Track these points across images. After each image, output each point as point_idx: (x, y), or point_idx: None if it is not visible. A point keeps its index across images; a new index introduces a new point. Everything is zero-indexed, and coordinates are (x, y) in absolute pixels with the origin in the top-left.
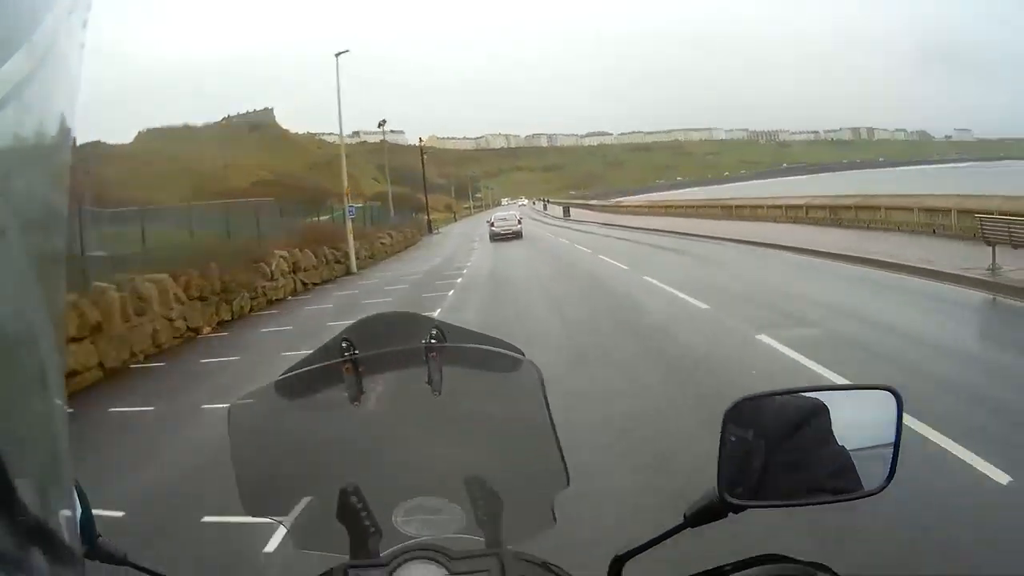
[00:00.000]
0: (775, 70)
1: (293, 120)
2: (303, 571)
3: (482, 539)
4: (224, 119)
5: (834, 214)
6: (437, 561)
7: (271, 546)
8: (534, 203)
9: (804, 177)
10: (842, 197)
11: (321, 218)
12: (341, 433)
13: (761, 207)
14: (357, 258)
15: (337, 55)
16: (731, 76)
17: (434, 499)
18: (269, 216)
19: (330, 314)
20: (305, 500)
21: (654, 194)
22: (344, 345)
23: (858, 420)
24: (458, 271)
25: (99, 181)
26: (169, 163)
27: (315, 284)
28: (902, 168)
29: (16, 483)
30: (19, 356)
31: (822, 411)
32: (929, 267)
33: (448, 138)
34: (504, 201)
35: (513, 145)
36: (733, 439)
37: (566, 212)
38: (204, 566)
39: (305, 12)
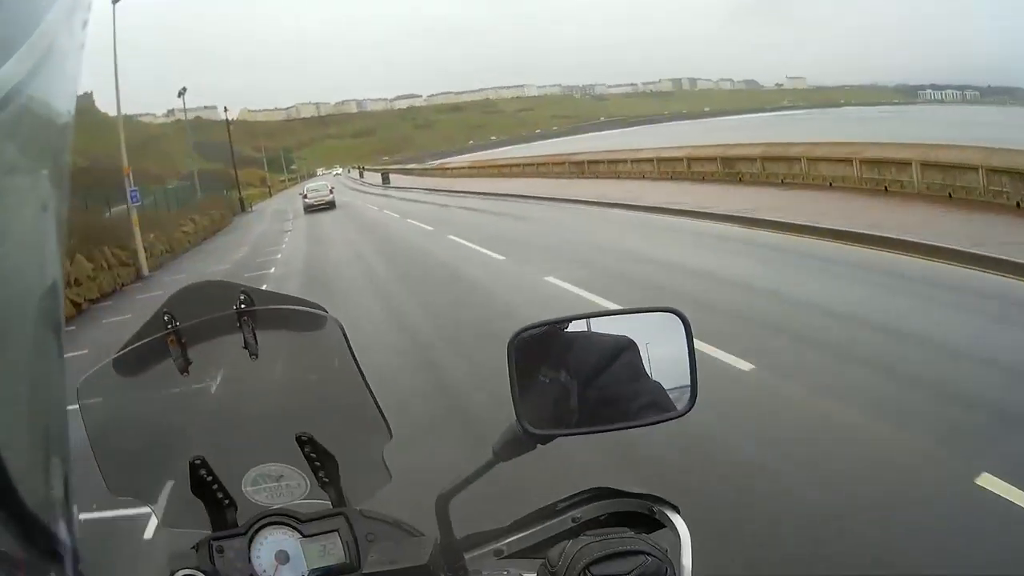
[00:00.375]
0: (585, 22)
1: (110, 103)
2: (179, 548)
3: (328, 502)
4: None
5: (728, 167)
6: (290, 526)
7: (148, 533)
8: (348, 171)
9: (621, 130)
10: (739, 146)
11: (113, 210)
12: (179, 406)
13: (622, 161)
14: (151, 254)
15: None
16: (540, 31)
17: (276, 466)
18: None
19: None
20: (169, 480)
21: (474, 154)
22: (166, 318)
23: (654, 344)
24: (268, 261)
25: None
26: None
27: (90, 302)
28: (731, 117)
29: (15, 483)
30: (19, 356)
31: (630, 345)
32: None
33: (259, 110)
34: (319, 171)
35: (323, 113)
36: (543, 378)
37: (385, 179)
38: (83, 564)
39: None
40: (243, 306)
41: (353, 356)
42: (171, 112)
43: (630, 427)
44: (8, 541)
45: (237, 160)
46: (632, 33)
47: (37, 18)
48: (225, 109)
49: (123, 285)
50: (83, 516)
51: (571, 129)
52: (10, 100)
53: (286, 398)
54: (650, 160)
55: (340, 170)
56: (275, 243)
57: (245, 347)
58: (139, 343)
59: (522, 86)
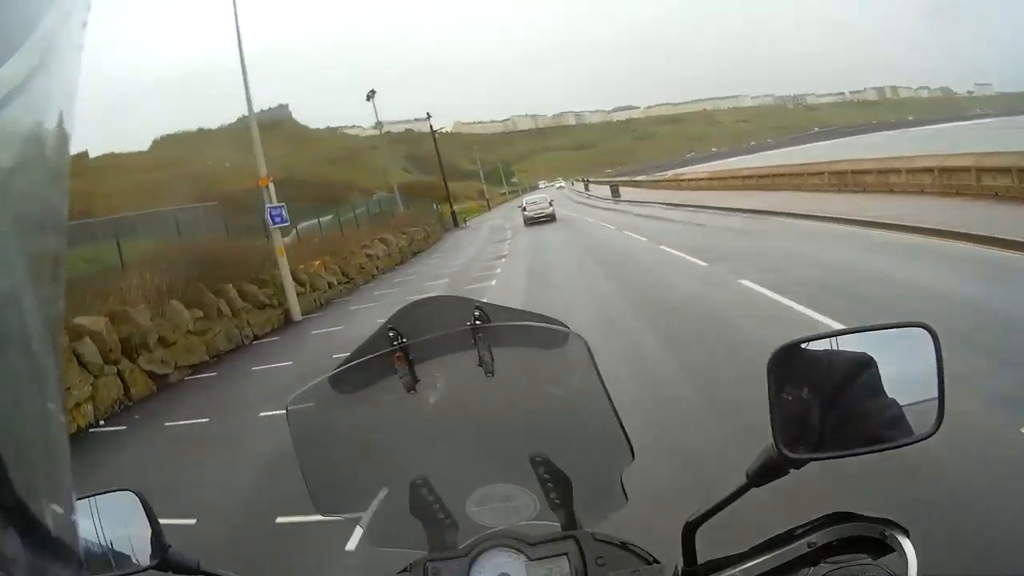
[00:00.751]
0: (798, 32)
1: (312, 116)
2: (384, 568)
3: (557, 523)
4: (238, 120)
5: None
6: (516, 548)
7: (352, 544)
8: (572, 184)
9: (839, 140)
10: None
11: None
12: (402, 424)
13: (894, 171)
14: (317, 289)
15: None
16: (756, 41)
17: (504, 486)
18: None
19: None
20: (379, 496)
21: (711, 163)
22: (391, 334)
23: (898, 362)
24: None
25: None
26: (169, 169)
27: (192, 368)
28: (936, 126)
29: (14, 485)
30: (17, 358)
31: (869, 362)
32: None
33: (475, 122)
34: (541, 184)
35: (541, 125)
36: (787, 396)
37: (615, 192)
38: (283, 569)
39: (315, 3)
40: (478, 322)
41: (598, 374)
42: (379, 124)
43: (881, 450)
44: (8, 541)
45: (452, 173)
46: (836, 39)
47: (37, 18)
48: (428, 115)
49: (257, 337)
50: (280, 519)
51: (789, 140)
52: (10, 100)
53: (522, 417)
54: (928, 170)
55: (563, 183)
56: (483, 274)
57: (480, 364)
58: (361, 359)
59: (737, 96)
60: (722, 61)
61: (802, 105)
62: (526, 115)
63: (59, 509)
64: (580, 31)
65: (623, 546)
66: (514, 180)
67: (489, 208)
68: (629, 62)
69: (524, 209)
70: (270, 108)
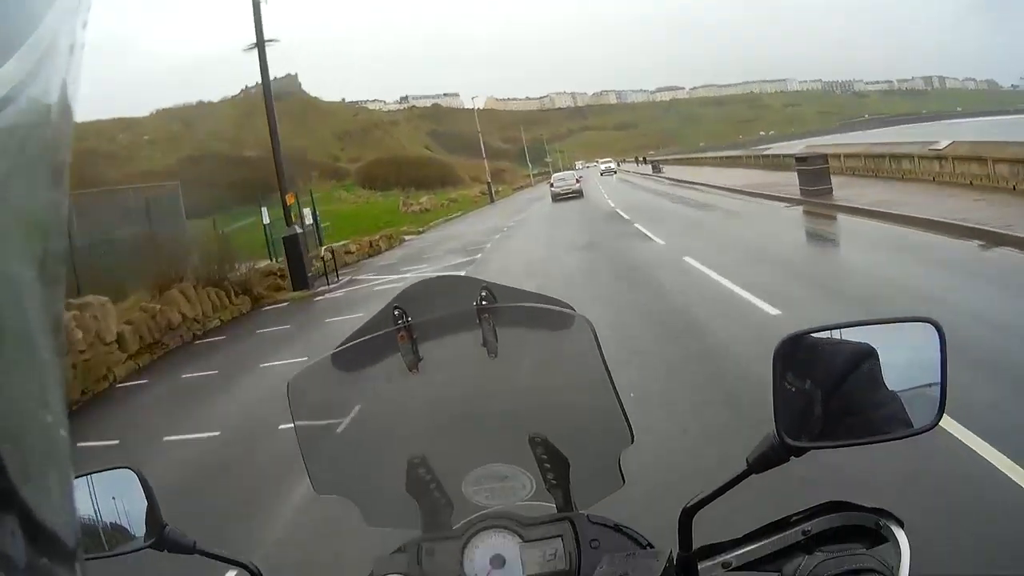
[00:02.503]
0: (848, 18)
1: (326, 87)
2: (377, 547)
3: (553, 504)
4: (242, 91)
5: None
6: (510, 529)
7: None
8: (618, 164)
9: (892, 128)
10: None
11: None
12: (403, 403)
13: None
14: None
15: None
16: (805, 24)
17: (502, 466)
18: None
19: None
20: (374, 475)
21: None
22: (396, 313)
23: (902, 356)
24: None
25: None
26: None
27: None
28: (988, 118)
29: (15, 484)
30: (18, 357)
31: (871, 353)
32: None
33: (509, 99)
34: (578, 164)
35: (580, 104)
36: (788, 386)
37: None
38: (278, 548)
39: None
40: (484, 302)
41: (602, 358)
42: (405, 99)
43: (881, 441)
44: (8, 541)
45: (487, 153)
46: (885, 27)
47: (37, 18)
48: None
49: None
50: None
51: (841, 127)
52: (10, 100)
53: (523, 398)
54: None
55: (612, 163)
56: None
57: (484, 345)
58: (365, 337)
59: (784, 80)
60: (770, 44)
61: (851, 92)
62: (564, 92)
63: (59, 508)
64: (624, 6)
65: (618, 529)
66: (548, 160)
67: (492, 200)
68: (674, 41)
69: (552, 185)
70: (277, 78)
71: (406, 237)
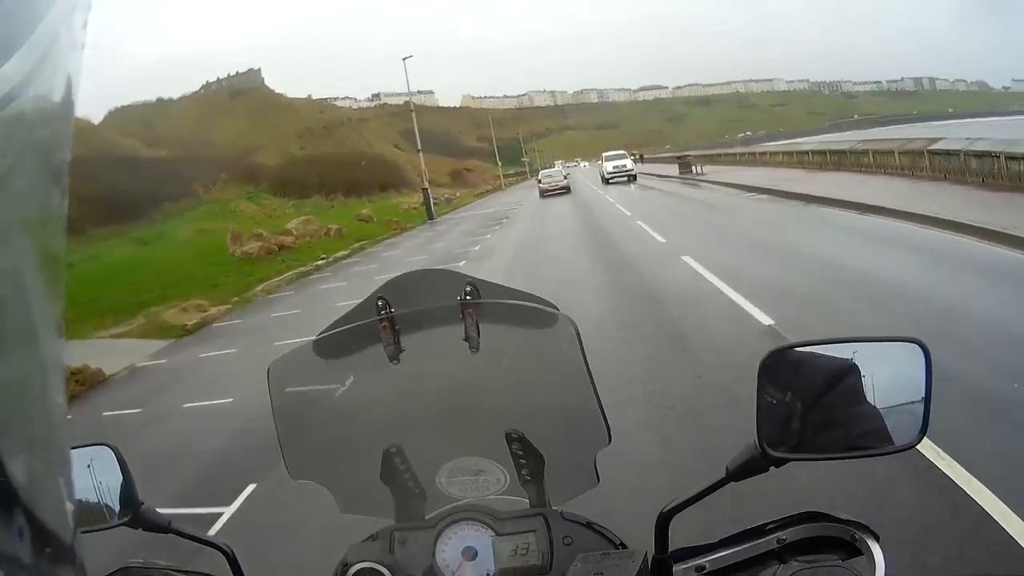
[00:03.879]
0: (836, 19)
1: (294, 84)
2: (350, 534)
3: (526, 499)
4: (202, 87)
5: None
6: (483, 522)
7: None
8: (637, 160)
9: (883, 129)
10: None
11: None
12: (381, 393)
13: None
14: None
15: None
16: (791, 23)
17: (476, 459)
18: None
19: None
20: (350, 463)
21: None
22: (380, 303)
23: (886, 374)
24: None
25: None
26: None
27: None
28: (981, 120)
29: (15, 483)
30: (19, 356)
31: (853, 369)
32: None
33: (486, 97)
34: (557, 164)
35: (560, 103)
36: (770, 397)
37: (686, 168)
38: (249, 531)
39: None
40: (468, 297)
41: (584, 357)
42: (376, 96)
43: (862, 456)
44: (9, 541)
45: (454, 150)
46: (873, 27)
47: (37, 18)
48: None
49: None
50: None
51: (830, 127)
52: (10, 100)
53: (502, 394)
54: None
55: (625, 160)
56: None
57: (466, 339)
58: (347, 326)
59: (771, 80)
60: (757, 43)
61: (839, 92)
62: (543, 91)
63: (60, 509)
64: (604, 4)
65: (590, 526)
66: (524, 159)
67: (432, 217)
68: (656, 40)
69: (539, 182)
70: (238, 73)
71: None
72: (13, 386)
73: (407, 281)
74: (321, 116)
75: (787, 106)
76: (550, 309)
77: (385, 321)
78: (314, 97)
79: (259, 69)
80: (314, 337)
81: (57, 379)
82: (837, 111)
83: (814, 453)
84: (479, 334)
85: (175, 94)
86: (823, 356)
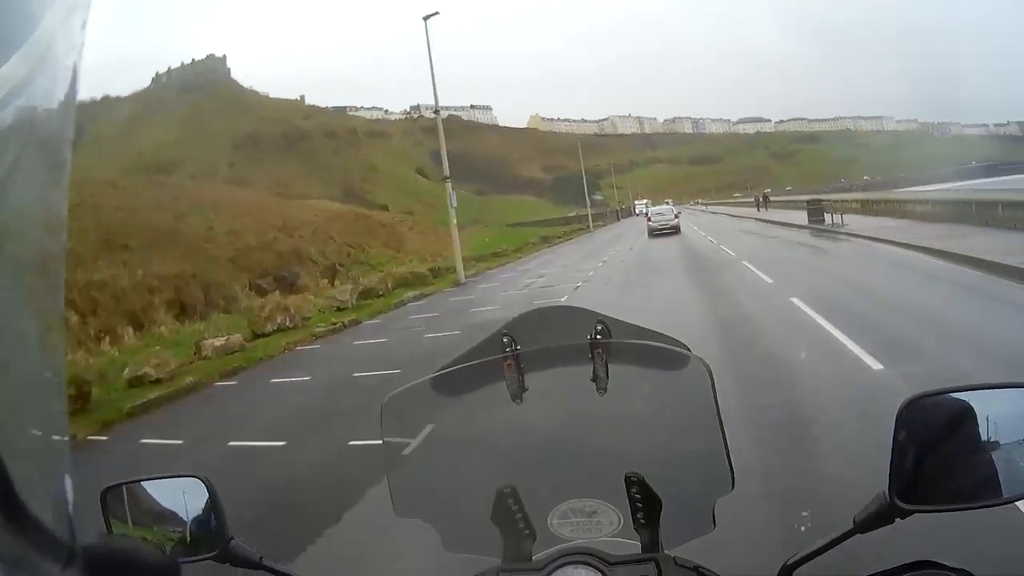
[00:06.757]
0: (948, 57)
1: (271, 81)
2: (450, 572)
3: (638, 542)
4: (152, 80)
5: None
6: (592, 565)
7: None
8: (696, 206)
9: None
10: None
11: None
12: (500, 432)
13: None
14: None
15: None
16: (901, 59)
17: (590, 501)
18: None
19: None
20: (459, 502)
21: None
22: (505, 340)
23: (1004, 419)
24: None
25: None
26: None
27: None
28: None
29: (15, 484)
30: (19, 357)
31: (969, 413)
32: None
33: (559, 119)
34: (639, 205)
35: (648, 131)
36: (907, 447)
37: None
38: (343, 565)
39: None
40: (599, 337)
41: (715, 401)
42: (415, 108)
43: (989, 505)
44: (9, 542)
45: (509, 184)
46: (976, 68)
47: (37, 18)
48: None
49: None
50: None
51: (954, 173)
52: (10, 100)
53: (626, 436)
54: None
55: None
56: None
57: (593, 379)
58: (469, 363)
59: (880, 118)
60: (866, 78)
61: (948, 135)
62: (629, 116)
63: (60, 509)
64: (706, 26)
65: (699, 571)
66: (597, 196)
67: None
68: (756, 69)
69: (648, 219)
70: (195, 60)
71: None
72: (13, 385)
73: (535, 318)
74: (305, 122)
75: (900, 148)
76: (683, 351)
77: (510, 359)
78: (328, 105)
79: (224, 57)
80: (433, 374)
81: (57, 378)
82: (950, 154)
83: (944, 504)
84: (607, 375)
85: (126, 91)
86: (950, 403)
